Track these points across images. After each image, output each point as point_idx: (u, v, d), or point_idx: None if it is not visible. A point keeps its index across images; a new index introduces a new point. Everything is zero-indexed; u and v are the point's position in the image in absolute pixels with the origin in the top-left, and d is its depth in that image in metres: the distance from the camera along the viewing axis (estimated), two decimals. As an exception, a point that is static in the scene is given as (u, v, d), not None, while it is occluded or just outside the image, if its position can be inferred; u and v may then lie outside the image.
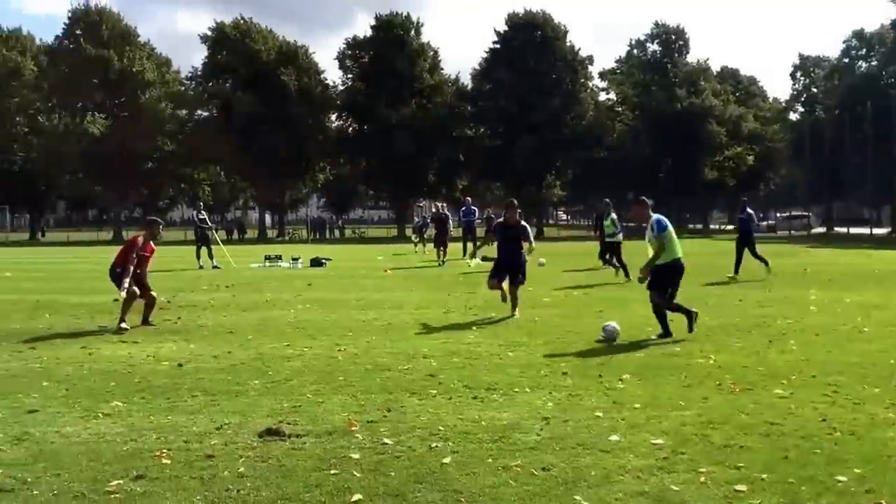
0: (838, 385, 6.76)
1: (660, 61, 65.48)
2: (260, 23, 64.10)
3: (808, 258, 26.28)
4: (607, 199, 19.86)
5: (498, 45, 61.76)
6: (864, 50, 63.05)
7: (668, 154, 62.61)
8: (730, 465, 4.64)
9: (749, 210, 18.19)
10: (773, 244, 37.15)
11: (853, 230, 50.99)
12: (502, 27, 61.87)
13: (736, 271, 17.15)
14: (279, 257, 24.45)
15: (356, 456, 4.85)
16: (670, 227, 9.47)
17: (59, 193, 72.20)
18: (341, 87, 64.29)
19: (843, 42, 64.72)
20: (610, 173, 61.64)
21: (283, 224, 69.47)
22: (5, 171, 59.92)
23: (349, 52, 63.34)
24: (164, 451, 4.97)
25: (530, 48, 59.24)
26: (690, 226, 69.94)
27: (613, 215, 18.37)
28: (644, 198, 10.39)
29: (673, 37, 66.30)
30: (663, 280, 9.28)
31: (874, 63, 60.57)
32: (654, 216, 9.44)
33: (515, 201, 11.90)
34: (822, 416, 5.74)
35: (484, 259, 23.74)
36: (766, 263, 17.22)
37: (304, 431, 5.40)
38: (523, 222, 11.74)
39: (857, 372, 7.30)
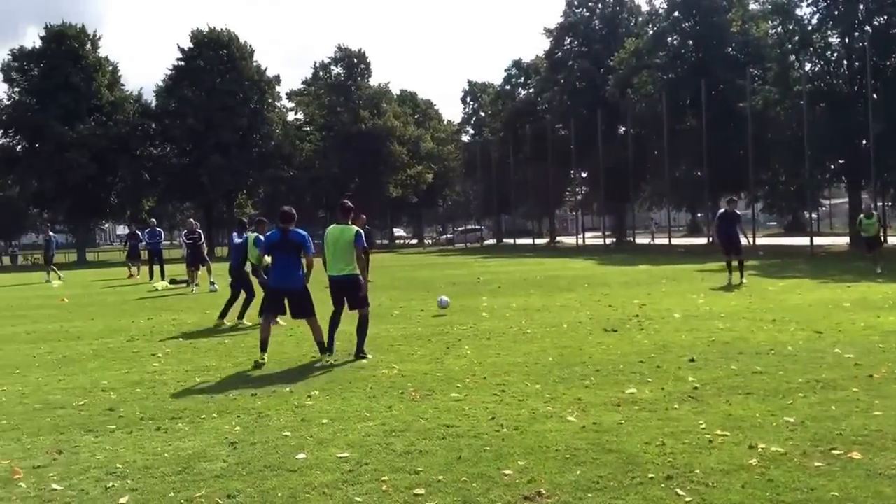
0: (506, 384, 7.34)
1: (344, 83, 67.13)
2: None
3: (481, 268, 28.29)
4: None
5: (183, 63, 58.84)
6: (523, 78, 67.63)
7: (354, 172, 64.27)
8: (410, 471, 4.87)
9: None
10: (452, 256, 44.03)
11: (519, 241, 56.54)
12: (187, 44, 58.96)
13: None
14: None
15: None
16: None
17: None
18: (6, 102, 57.78)
19: (505, 70, 71.24)
20: (301, 191, 61.67)
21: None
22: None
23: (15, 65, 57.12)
24: None
25: (216, 66, 57.59)
26: (378, 241, 67.19)
27: None
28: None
29: (355, 60, 67.64)
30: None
31: (531, 90, 64.77)
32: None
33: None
34: (492, 415, 6.16)
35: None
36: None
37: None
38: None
39: (522, 371, 7.99)
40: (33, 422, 6.57)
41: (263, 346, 9.02)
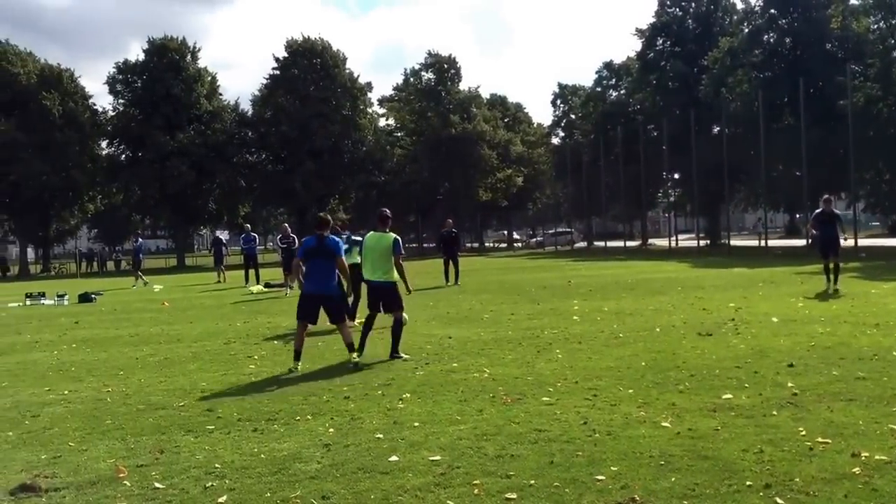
0: (598, 389, 7.29)
1: (434, 89, 66.40)
2: (18, 45, 58.10)
3: (571, 271, 27.93)
4: None
5: (278, 72, 60.58)
6: (614, 80, 65.87)
7: (445, 177, 64.40)
8: (502, 475, 4.90)
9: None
10: (542, 259, 43.20)
11: (610, 244, 56.21)
12: (282, 54, 60.67)
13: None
14: (43, 294, 23.21)
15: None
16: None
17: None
18: (112, 113, 59.46)
19: (596, 72, 66.74)
20: (392, 196, 59.39)
21: (48, 258, 61.81)
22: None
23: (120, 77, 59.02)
24: None
25: (310, 75, 59.29)
26: (468, 245, 70.87)
27: None
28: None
29: (445, 66, 66.77)
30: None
31: (622, 91, 64.06)
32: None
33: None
34: (584, 420, 6.15)
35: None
36: None
37: (64, 484, 5.12)
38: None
39: (614, 375, 7.91)
40: (136, 422, 6.85)
41: (297, 356, 9.27)
